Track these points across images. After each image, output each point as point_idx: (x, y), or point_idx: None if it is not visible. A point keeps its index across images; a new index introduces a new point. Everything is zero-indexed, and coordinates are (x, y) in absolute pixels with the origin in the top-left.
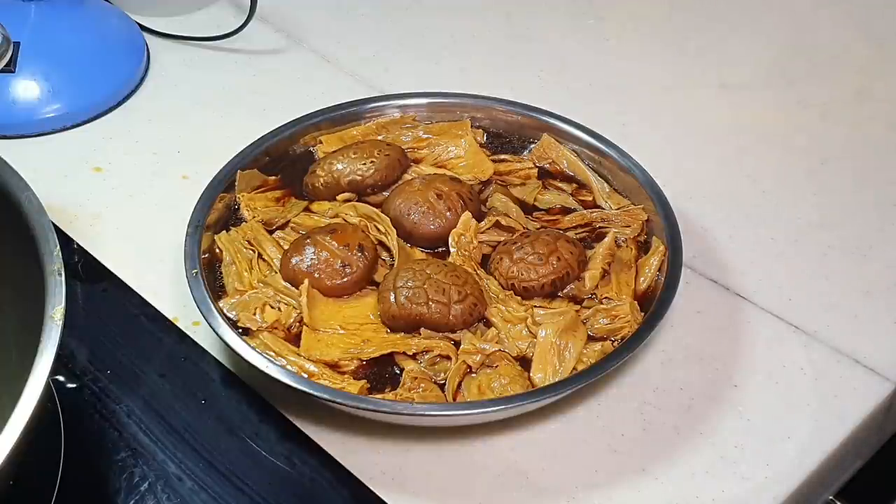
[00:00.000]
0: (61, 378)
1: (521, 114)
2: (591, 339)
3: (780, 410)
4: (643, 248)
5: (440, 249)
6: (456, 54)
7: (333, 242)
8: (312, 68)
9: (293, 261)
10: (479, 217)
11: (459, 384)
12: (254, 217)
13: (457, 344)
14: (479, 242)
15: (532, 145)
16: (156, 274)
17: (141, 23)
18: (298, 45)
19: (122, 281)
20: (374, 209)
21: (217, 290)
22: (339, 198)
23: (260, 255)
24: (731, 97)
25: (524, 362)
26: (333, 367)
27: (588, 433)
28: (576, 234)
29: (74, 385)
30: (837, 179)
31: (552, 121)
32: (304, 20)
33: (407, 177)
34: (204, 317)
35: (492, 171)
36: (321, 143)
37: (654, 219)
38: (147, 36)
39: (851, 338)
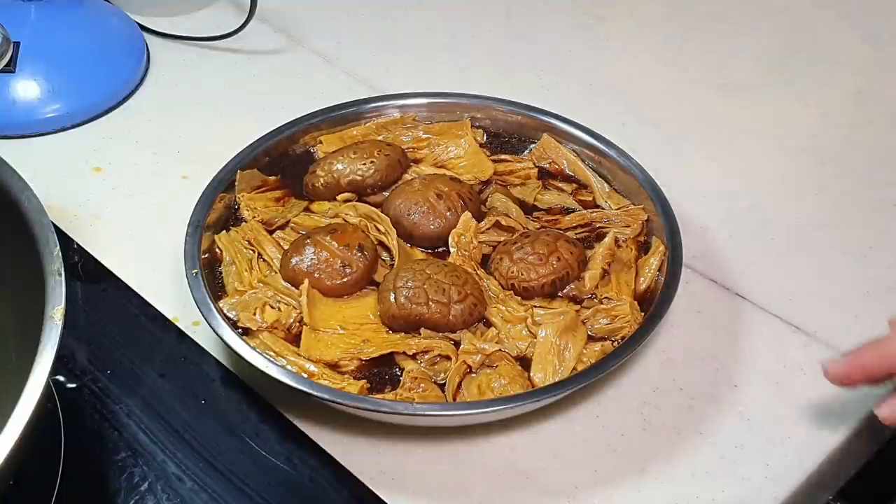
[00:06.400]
0: (61, 378)
1: (521, 114)
2: (591, 339)
3: (780, 410)
4: (643, 248)
5: (440, 249)
6: (456, 54)
7: (333, 242)
8: (312, 68)
9: (293, 261)
10: (479, 217)
11: (459, 384)
12: (254, 217)
13: (457, 344)
14: (479, 242)
15: (532, 145)
16: (156, 274)
17: (141, 23)
18: (298, 45)
19: (122, 281)
20: (374, 209)
21: (217, 290)
22: (339, 198)
23: (260, 255)
24: (731, 97)
25: (524, 362)
26: (333, 367)
27: (588, 433)
28: (576, 234)
29: (74, 385)
30: (837, 179)
31: (552, 121)
32: (304, 20)
33: (407, 177)
34: (204, 317)
35: (492, 171)
36: (321, 143)
37: (654, 219)
38: (147, 36)
39: (851, 338)
